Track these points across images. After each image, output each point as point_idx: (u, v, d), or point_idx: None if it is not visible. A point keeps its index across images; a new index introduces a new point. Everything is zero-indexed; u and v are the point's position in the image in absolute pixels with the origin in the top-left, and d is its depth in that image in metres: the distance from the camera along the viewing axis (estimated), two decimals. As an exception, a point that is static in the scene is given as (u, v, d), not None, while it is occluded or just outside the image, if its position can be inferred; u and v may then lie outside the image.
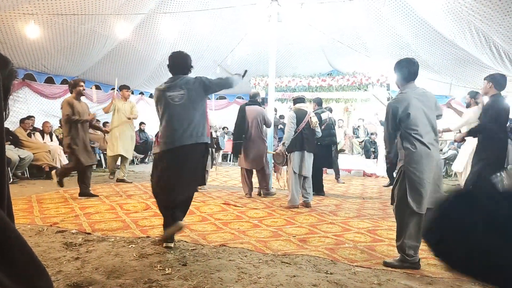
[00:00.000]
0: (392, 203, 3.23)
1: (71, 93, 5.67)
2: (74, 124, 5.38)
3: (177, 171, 3.31)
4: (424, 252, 3.44)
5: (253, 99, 6.26)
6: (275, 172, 6.50)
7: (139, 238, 3.68)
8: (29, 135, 7.73)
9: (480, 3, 5.96)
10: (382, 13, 7.80)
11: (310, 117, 5.45)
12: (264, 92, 9.82)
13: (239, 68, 11.43)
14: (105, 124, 10.33)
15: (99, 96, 10.81)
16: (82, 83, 5.70)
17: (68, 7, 6.76)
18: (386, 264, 3.10)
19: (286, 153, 5.46)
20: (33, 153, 7.35)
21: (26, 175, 7.44)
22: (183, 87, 3.39)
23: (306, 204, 5.43)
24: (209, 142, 3.66)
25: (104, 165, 9.61)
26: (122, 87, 7.35)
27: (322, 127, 6.42)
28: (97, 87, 10.74)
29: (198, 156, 3.43)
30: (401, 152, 3.13)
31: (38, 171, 7.57)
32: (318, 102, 7.04)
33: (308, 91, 11.20)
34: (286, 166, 5.74)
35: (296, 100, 5.73)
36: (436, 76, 9.39)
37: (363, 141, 10.99)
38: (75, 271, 2.79)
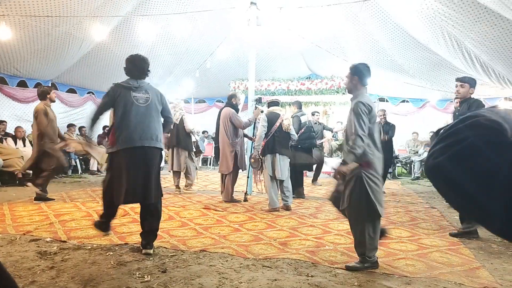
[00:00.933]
0: (341, 207, 3.20)
1: (42, 100, 5.60)
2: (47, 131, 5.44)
3: (134, 170, 3.29)
4: (402, 253, 3.51)
5: (229, 101, 6.20)
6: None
7: (117, 245, 3.60)
8: (0, 140, 7.47)
9: (452, 9, 6.16)
10: (359, 18, 7.95)
11: (283, 120, 5.47)
12: (244, 96, 9.83)
13: (219, 71, 11.50)
14: (81, 128, 10.11)
15: (74, 99, 10.58)
16: (53, 90, 5.82)
17: (42, 8, 6.57)
18: (348, 268, 3.09)
19: (261, 156, 5.44)
20: (5, 159, 7.09)
21: (-3, 182, 7.18)
22: (148, 91, 3.45)
23: (286, 207, 5.44)
24: (163, 148, 3.68)
25: (80, 171, 9.39)
26: None
27: (302, 130, 6.46)
28: (73, 91, 10.52)
29: (155, 160, 3.44)
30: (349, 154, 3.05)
31: (10, 178, 7.31)
32: (298, 105, 7.10)
33: (287, 94, 11.28)
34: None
35: (270, 104, 5.74)
36: (411, 80, 9.63)
37: (341, 143, 11.12)
38: (50, 281, 2.70)
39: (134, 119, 3.31)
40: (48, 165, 5.50)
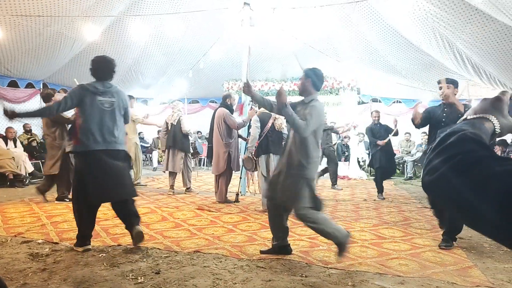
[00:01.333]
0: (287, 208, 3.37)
1: (46, 102, 5.72)
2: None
3: (104, 173, 3.39)
4: (395, 253, 3.53)
5: (223, 102, 6.20)
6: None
7: (110, 246, 3.57)
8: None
9: (444, 11, 6.22)
10: (352, 19, 7.99)
11: (275, 119, 5.47)
12: (238, 96, 9.82)
13: (212, 71, 11.48)
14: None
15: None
16: (57, 92, 5.98)
17: (33, 8, 6.50)
18: (262, 252, 3.44)
19: (255, 157, 5.41)
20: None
21: (-13, 184, 7.09)
22: (114, 95, 3.53)
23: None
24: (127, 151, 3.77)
25: (72, 172, 9.30)
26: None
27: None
28: (65, 91, 10.42)
29: (120, 162, 3.53)
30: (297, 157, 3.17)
31: (1, 179, 7.22)
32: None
33: (280, 95, 11.26)
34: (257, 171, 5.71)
35: None
36: (403, 81, 9.71)
37: (335, 144, 11.17)
38: (42, 283, 2.67)
39: (99, 122, 3.41)
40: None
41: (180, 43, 9.44)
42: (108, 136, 3.42)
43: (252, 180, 6.22)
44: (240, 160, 6.18)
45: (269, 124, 5.38)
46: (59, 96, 5.72)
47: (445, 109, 4.08)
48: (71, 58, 8.79)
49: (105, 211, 5.07)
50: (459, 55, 7.35)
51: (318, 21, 7.83)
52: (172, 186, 6.84)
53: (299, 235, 4.11)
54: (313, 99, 3.30)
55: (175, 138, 6.72)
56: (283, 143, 5.62)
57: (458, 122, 0.80)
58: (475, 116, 0.79)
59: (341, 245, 3.11)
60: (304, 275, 2.92)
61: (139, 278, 2.79)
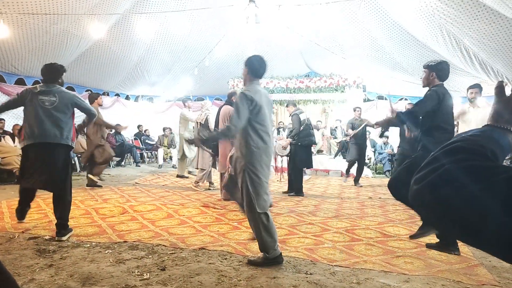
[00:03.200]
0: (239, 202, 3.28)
1: (90, 104, 6.44)
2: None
3: (39, 163, 3.79)
4: (400, 251, 3.52)
5: (228, 99, 6.21)
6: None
7: (116, 243, 3.60)
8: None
9: (451, 7, 6.16)
10: (358, 16, 7.94)
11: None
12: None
13: (217, 69, 11.49)
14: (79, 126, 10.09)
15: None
16: (100, 96, 7.13)
17: (40, 6, 6.55)
18: (250, 262, 3.12)
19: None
20: (3, 157, 7.08)
21: (-5, 180, 7.17)
22: (56, 95, 3.87)
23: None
24: (73, 146, 4.16)
25: (78, 169, 9.37)
26: None
27: (301, 127, 6.46)
28: (71, 89, 10.49)
29: (58, 154, 3.84)
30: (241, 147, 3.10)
31: (8, 176, 7.29)
32: (293, 104, 7.06)
33: (286, 92, 11.27)
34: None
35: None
36: (410, 78, 9.64)
37: (340, 141, 11.14)
38: (49, 278, 2.70)
39: (39, 119, 3.77)
40: (101, 157, 6.84)
41: (186, 41, 9.45)
42: (48, 131, 3.76)
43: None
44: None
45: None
46: (101, 100, 6.94)
47: None
48: (78, 56, 8.84)
49: (111, 208, 5.12)
50: (466, 52, 7.28)
51: (323, 18, 7.79)
52: (211, 183, 7.11)
53: (304, 233, 4.12)
54: (248, 86, 3.24)
55: None
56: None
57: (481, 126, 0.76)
58: (497, 125, 0.74)
59: (265, 253, 3.06)
60: (309, 273, 2.92)
61: (144, 274, 2.81)
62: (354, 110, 8.14)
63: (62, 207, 3.78)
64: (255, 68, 3.26)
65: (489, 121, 0.76)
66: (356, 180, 8.03)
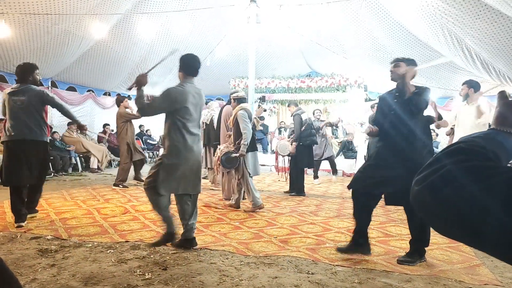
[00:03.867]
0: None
1: (118, 106, 7.20)
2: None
3: (16, 158, 4.12)
4: (402, 251, 3.52)
5: (230, 99, 6.19)
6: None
7: (118, 243, 3.60)
8: (0, 139, 7.46)
9: (452, 6, 6.15)
10: (359, 15, 7.93)
11: (255, 117, 5.50)
12: (244, 93, 9.83)
13: (219, 69, 11.49)
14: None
15: (74, 97, 10.57)
16: (126, 99, 7.26)
17: (41, 6, 6.56)
18: (153, 244, 3.40)
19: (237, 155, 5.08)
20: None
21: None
22: (25, 94, 4.14)
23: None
24: (47, 141, 4.41)
25: (80, 169, 9.39)
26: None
27: (303, 127, 6.45)
28: (72, 89, 10.50)
29: (34, 149, 4.17)
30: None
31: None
32: (295, 104, 7.05)
33: (287, 92, 11.27)
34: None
35: (240, 100, 5.33)
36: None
37: (341, 141, 11.13)
38: (51, 278, 2.70)
39: (13, 117, 4.14)
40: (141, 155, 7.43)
41: (187, 41, 9.45)
42: (20, 128, 4.10)
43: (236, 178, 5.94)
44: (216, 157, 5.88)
45: (252, 120, 5.32)
46: (127, 102, 7.12)
47: (396, 94, 3.38)
48: (79, 56, 8.85)
49: (113, 207, 5.13)
50: (468, 51, 7.27)
51: (324, 18, 7.79)
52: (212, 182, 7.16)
53: (306, 232, 4.12)
54: (180, 84, 3.38)
55: (209, 136, 6.96)
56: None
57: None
58: (501, 129, 0.74)
59: (169, 235, 3.34)
60: (310, 272, 2.92)
61: (146, 274, 2.81)
62: (372, 108, 7.54)
63: (36, 196, 4.35)
64: (186, 66, 3.39)
65: (493, 124, 0.76)
66: None
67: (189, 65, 3.40)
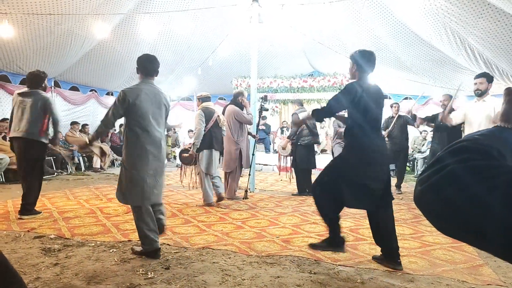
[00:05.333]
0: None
1: None
2: None
3: (18, 154, 4.60)
4: (405, 250, 3.51)
5: (234, 99, 6.20)
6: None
7: (121, 242, 3.62)
8: (4, 138, 7.49)
9: (455, 5, 6.12)
10: (361, 15, 7.91)
11: (218, 116, 5.48)
12: (246, 93, 9.85)
13: (221, 69, 11.49)
14: (84, 126, 10.14)
15: (76, 97, 10.60)
16: None
17: (44, 6, 6.58)
18: (133, 251, 3.27)
19: (195, 152, 5.32)
20: (9, 157, 7.11)
21: (1, 180, 7.21)
22: (32, 98, 4.54)
23: (220, 196, 5.47)
24: (44, 141, 4.62)
25: (83, 168, 9.42)
26: None
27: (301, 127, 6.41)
28: (75, 89, 10.53)
29: (27, 148, 4.50)
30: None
31: (14, 176, 7.33)
32: (299, 103, 7.05)
33: (289, 91, 11.26)
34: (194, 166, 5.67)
35: (204, 99, 5.55)
36: (414, 77, 9.60)
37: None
38: (54, 277, 2.71)
39: (16, 116, 4.53)
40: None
41: (189, 41, 9.46)
42: (24, 127, 4.46)
43: (185, 174, 6.10)
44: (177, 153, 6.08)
45: (214, 119, 5.37)
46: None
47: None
48: (82, 56, 8.88)
49: (115, 207, 5.14)
50: (471, 50, 7.23)
51: (327, 17, 7.77)
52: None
53: (308, 232, 4.11)
54: (135, 85, 3.32)
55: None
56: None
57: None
58: (507, 126, 0.74)
59: (145, 247, 3.18)
60: (313, 272, 2.92)
61: (149, 273, 2.82)
62: (391, 107, 7.30)
63: (27, 196, 4.50)
64: (143, 66, 3.33)
65: (499, 121, 0.75)
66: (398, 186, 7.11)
67: (145, 67, 3.33)
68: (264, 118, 10.01)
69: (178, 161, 11.03)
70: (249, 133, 6.34)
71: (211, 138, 5.36)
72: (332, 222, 3.14)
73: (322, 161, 10.18)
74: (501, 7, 5.70)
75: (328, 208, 3.12)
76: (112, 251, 3.34)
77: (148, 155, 3.18)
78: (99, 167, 9.57)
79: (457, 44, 7.19)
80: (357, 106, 3.00)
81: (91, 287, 2.57)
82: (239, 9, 7.59)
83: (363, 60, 3.17)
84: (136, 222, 3.21)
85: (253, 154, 6.36)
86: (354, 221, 4.64)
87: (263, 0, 6.99)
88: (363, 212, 5.15)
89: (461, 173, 0.63)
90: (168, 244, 3.55)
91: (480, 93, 4.31)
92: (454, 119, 4.72)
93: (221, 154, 5.94)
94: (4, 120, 7.73)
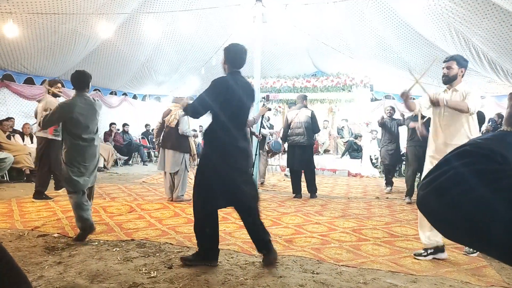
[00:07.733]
0: None
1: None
2: None
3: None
4: (408, 251, 3.50)
5: None
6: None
7: (124, 241, 3.63)
8: (8, 137, 7.53)
9: (460, 6, 6.10)
10: (365, 14, 7.90)
11: (167, 115, 5.69)
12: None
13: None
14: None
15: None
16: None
17: (48, 6, 6.61)
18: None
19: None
20: (13, 156, 7.14)
21: (6, 178, 7.24)
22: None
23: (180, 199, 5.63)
24: (48, 138, 5.36)
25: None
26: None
27: (289, 126, 6.36)
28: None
29: (39, 144, 5.43)
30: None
31: (18, 174, 7.37)
32: (300, 100, 6.74)
33: (293, 91, 11.25)
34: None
35: (173, 100, 6.08)
36: (417, 77, 9.54)
37: (347, 141, 11.10)
38: (58, 276, 2.73)
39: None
40: None
41: (193, 40, 9.48)
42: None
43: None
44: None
45: (166, 119, 5.68)
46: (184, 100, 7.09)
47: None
48: (86, 55, 8.91)
49: (119, 206, 5.16)
50: (475, 51, 7.20)
51: (330, 17, 7.76)
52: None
53: (311, 232, 4.11)
54: (73, 97, 3.76)
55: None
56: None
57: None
58: (510, 130, 0.72)
59: (84, 230, 3.56)
60: (315, 272, 2.92)
61: (152, 272, 2.83)
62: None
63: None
64: (77, 81, 3.77)
65: (503, 125, 0.75)
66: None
67: (78, 81, 3.77)
68: (267, 119, 10.00)
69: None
70: (252, 133, 6.34)
71: (163, 138, 5.68)
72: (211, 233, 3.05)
73: (323, 161, 10.19)
74: (506, 7, 5.67)
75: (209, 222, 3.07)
76: (115, 250, 3.35)
77: (82, 159, 3.72)
78: (102, 166, 9.59)
79: (461, 45, 7.16)
80: (218, 100, 2.95)
81: (94, 285, 2.58)
82: (242, 9, 7.59)
83: (232, 54, 3.30)
84: (73, 208, 3.68)
85: (256, 154, 6.35)
86: (357, 222, 4.63)
87: (266, 0, 6.99)
88: (366, 213, 5.15)
89: (465, 176, 0.62)
90: (170, 243, 3.56)
91: (447, 80, 3.48)
92: (418, 104, 3.87)
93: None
94: (9, 119, 7.77)
